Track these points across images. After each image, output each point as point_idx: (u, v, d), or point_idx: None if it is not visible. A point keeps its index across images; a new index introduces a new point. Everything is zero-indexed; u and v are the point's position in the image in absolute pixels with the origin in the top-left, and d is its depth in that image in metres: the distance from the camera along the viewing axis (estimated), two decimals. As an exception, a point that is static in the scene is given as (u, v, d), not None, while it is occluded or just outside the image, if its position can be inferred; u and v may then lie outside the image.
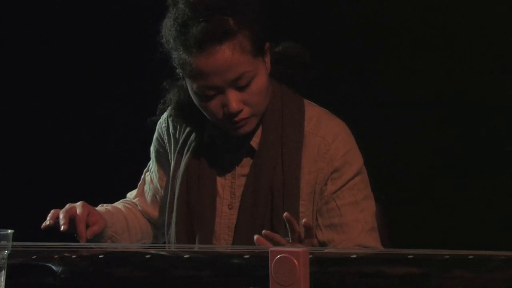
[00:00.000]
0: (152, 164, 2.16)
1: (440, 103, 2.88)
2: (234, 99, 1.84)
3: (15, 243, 1.50)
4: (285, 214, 1.74)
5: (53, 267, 1.59)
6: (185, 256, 1.58)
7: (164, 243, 2.05)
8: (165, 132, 2.10)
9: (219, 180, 1.99)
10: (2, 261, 1.46)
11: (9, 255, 1.47)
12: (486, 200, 2.84)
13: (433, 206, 2.93)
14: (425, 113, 2.89)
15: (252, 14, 1.85)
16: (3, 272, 1.46)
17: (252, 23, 1.84)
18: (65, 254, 1.61)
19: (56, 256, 1.60)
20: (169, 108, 2.05)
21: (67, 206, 1.89)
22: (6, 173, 3.14)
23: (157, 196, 2.14)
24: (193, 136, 2.02)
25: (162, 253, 1.73)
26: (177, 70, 1.91)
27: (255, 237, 1.72)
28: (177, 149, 2.04)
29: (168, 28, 1.87)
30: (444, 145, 2.90)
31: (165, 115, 2.10)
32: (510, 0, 2.78)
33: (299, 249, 1.36)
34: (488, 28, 2.82)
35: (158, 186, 2.13)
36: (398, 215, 2.42)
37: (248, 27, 1.83)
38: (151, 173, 2.16)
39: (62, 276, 1.58)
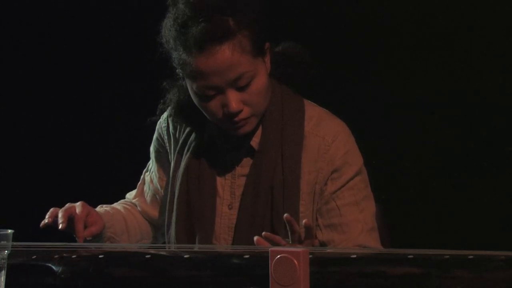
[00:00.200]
0: (152, 164, 2.16)
1: (440, 103, 2.88)
2: (234, 99, 1.84)
3: (15, 243, 1.50)
4: (285, 215, 1.74)
5: (53, 267, 1.59)
6: (185, 256, 1.58)
7: (164, 243, 2.05)
8: (165, 132, 2.10)
9: (219, 180, 1.99)
10: (2, 261, 1.46)
11: (9, 255, 1.47)
12: (486, 200, 2.84)
13: (433, 206, 2.92)
14: (425, 113, 2.88)
15: (252, 14, 1.85)
16: (3, 272, 1.46)
17: (252, 23, 1.84)
18: (65, 254, 1.60)
19: (56, 256, 1.60)
20: (169, 108, 2.05)
21: (67, 205, 1.89)
22: (6, 173, 3.14)
23: (157, 196, 2.14)
24: (193, 136, 2.02)
25: (162, 253, 1.73)
26: (177, 70, 1.91)
27: (255, 238, 1.72)
28: (177, 149, 2.04)
29: (168, 28, 1.87)
30: (444, 145, 2.89)
31: (165, 115, 2.10)
32: (510, 0, 2.78)
33: (299, 249, 1.36)
34: (488, 28, 2.81)
35: (158, 186, 2.13)
36: (398, 215, 2.42)
37: (248, 27, 1.83)
38: (151, 173, 2.16)
39: (62, 276, 1.58)
